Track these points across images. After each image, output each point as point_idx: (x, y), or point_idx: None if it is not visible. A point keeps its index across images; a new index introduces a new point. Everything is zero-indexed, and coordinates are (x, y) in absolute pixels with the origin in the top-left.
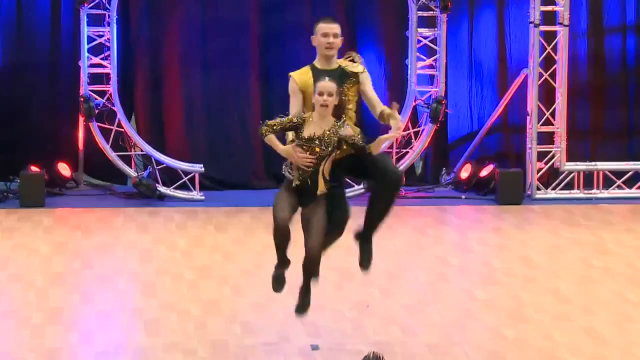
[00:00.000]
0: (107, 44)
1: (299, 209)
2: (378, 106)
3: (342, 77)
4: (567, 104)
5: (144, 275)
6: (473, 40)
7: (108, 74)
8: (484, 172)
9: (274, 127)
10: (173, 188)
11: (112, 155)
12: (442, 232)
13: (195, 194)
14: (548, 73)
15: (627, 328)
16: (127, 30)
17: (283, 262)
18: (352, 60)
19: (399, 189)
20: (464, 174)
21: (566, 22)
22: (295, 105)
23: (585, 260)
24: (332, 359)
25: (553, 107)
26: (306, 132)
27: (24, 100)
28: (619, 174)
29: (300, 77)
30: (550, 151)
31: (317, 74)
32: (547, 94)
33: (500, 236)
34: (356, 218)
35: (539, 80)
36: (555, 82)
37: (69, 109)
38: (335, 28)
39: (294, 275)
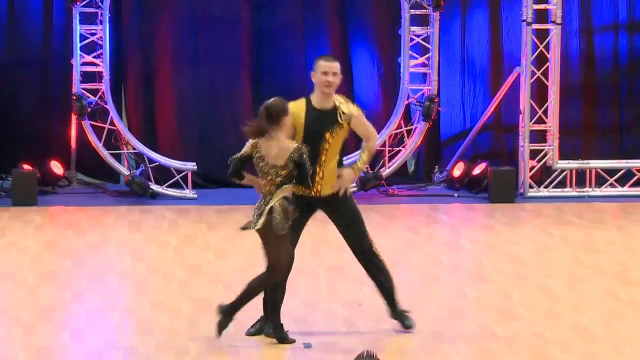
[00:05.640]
0: (100, 42)
1: None
2: (366, 141)
3: (334, 120)
4: (559, 102)
5: (135, 274)
6: (465, 39)
7: (100, 72)
8: (477, 171)
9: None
10: (165, 186)
11: (105, 154)
12: (434, 230)
13: (188, 192)
14: (540, 71)
15: (617, 326)
16: (119, 28)
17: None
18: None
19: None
20: (457, 172)
21: (559, 21)
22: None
23: (575, 258)
24: (325, 357)
25: (545, 105)
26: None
27: (16, 98)
28: (611, 172)
29: (293, 110)
30: (543, 149)
31: (311, 113)
32: (539, 92)
33: (491, 234)
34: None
35: (531, 79)
36: (547, 81)
37: (62, 107)
38: (335, 67)
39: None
